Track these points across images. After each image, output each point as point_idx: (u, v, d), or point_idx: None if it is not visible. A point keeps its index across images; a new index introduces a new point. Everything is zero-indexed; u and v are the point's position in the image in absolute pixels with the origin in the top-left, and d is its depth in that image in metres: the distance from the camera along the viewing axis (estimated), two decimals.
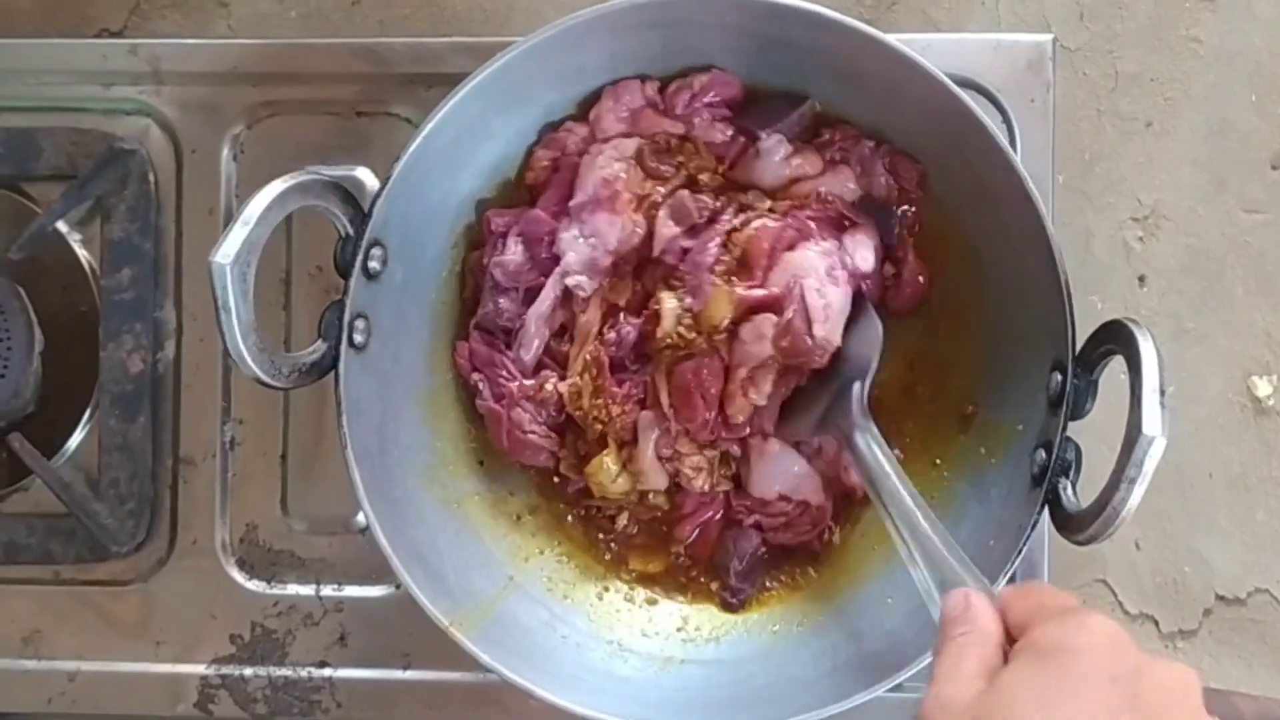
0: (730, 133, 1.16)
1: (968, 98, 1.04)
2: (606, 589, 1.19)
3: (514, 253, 1.15)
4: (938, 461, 1.18)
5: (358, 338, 1.06)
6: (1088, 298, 1.35)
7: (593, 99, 1.16)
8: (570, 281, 1.14)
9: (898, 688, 1.05)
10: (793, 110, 1.16)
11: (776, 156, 1.16)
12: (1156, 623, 1.35)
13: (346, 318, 1.05)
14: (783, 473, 1.17)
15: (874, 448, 1.06)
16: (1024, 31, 1.36)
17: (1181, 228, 1.35)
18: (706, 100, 1.15)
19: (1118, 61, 1.37)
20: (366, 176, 1.25)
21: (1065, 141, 1.34)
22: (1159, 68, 1.36)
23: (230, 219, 1.19)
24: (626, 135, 1.16)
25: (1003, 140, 1.04)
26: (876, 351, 1.12)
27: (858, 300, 1.14)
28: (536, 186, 1.18)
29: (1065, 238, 1.32)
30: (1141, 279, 1.35)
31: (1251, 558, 1.35)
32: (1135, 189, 1.36)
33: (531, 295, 1.16)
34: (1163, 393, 0.93)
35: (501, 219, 1.16)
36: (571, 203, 1.15)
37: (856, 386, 1.10)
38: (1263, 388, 1.35)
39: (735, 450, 1.17)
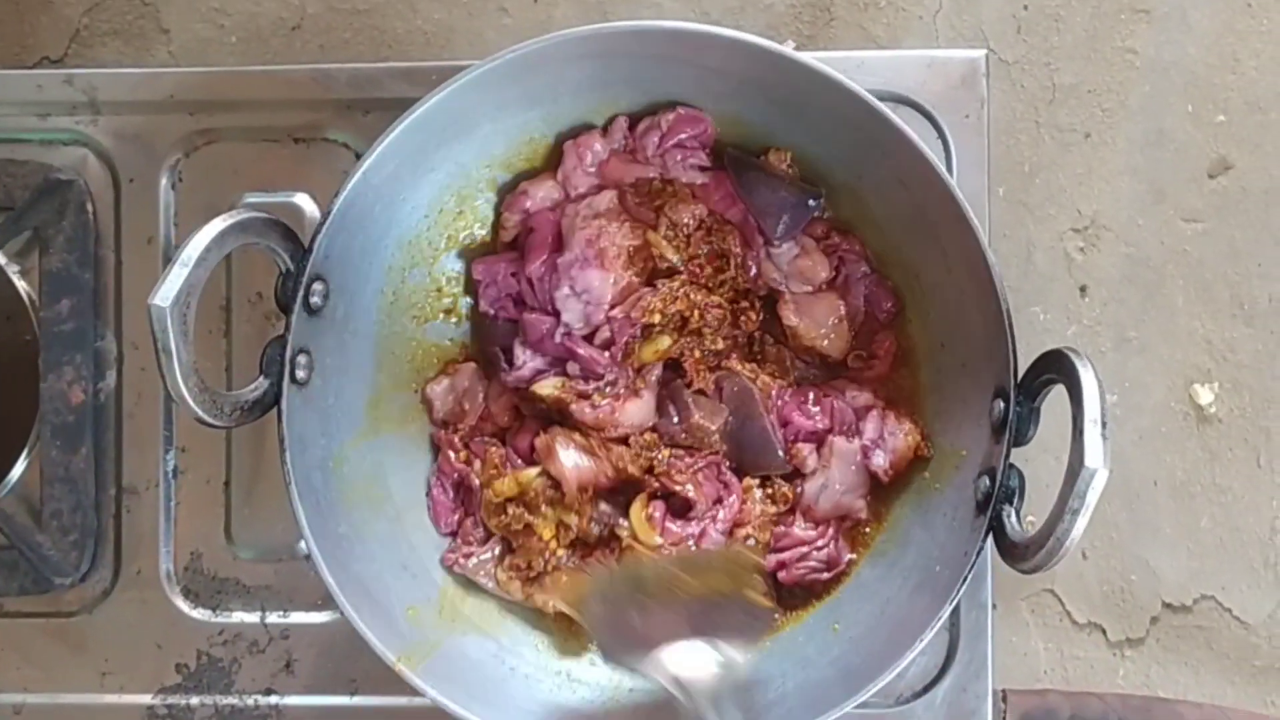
0: (706, 178, 1.17)
1: (900, 121, 1.03)
2: (555, 620, 1.19)
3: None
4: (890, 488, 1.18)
5: (300, 373, 1.06)
6: (1030, 309, 1.36)
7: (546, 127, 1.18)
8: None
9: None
10: (803, 208, 1.16)
11: (787, 258, 1.17)
12: (1104, 631, 1.36)
13: (288, 354, 1.04)
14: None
15: None
16: (961, 45, 1.37)
17: (1121, 237, 1.37)
18: (676, 141, 1.15)
19: (1055, 74, 1.38)
20: (305, 203, 1.24)
21: (1005, 154, 1.35)
22: (1096, 79, 1.38)
23: (170, 248, 1.20)
24: (599, 189, 1.16)
25: (939, 164, 1.04)
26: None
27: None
28: (514, 244, 1.19)
29: (1007, 249, 1.33)
30: (1083, 289, 1.37)
31: (1197, 565, 1.36)
32: (1075, 200, 1.37)
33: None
34: (1104, 425, 0.93)
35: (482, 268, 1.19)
36: (560, 260, 1.15)
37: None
38: (1204, 395, 1.36)
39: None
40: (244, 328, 1.25)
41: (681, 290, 1.15)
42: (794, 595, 1.17)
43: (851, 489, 1.16)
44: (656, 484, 1.15)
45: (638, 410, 1.15)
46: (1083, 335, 1.36)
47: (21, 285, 1.26)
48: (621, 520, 1.15)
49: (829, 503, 1.16)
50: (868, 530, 1.17)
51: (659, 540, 1.13)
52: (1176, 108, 1.37)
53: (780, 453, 1.15)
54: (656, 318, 1.15)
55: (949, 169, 1.21)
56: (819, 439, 1.17)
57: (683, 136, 1.15)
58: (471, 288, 1.20)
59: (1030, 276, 1.36)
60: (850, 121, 1.06)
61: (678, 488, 1.14)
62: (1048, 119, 1.37)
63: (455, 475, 1.18)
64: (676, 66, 1.10)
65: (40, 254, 1.25)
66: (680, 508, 1.15)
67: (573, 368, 1.16)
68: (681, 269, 1.16)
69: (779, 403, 1.16)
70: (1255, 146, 1.36)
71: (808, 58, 1.04)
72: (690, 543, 1.13)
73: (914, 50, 1.34)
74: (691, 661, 1.04)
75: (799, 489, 1.17)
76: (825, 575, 1.17)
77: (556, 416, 1.17)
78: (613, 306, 1.15)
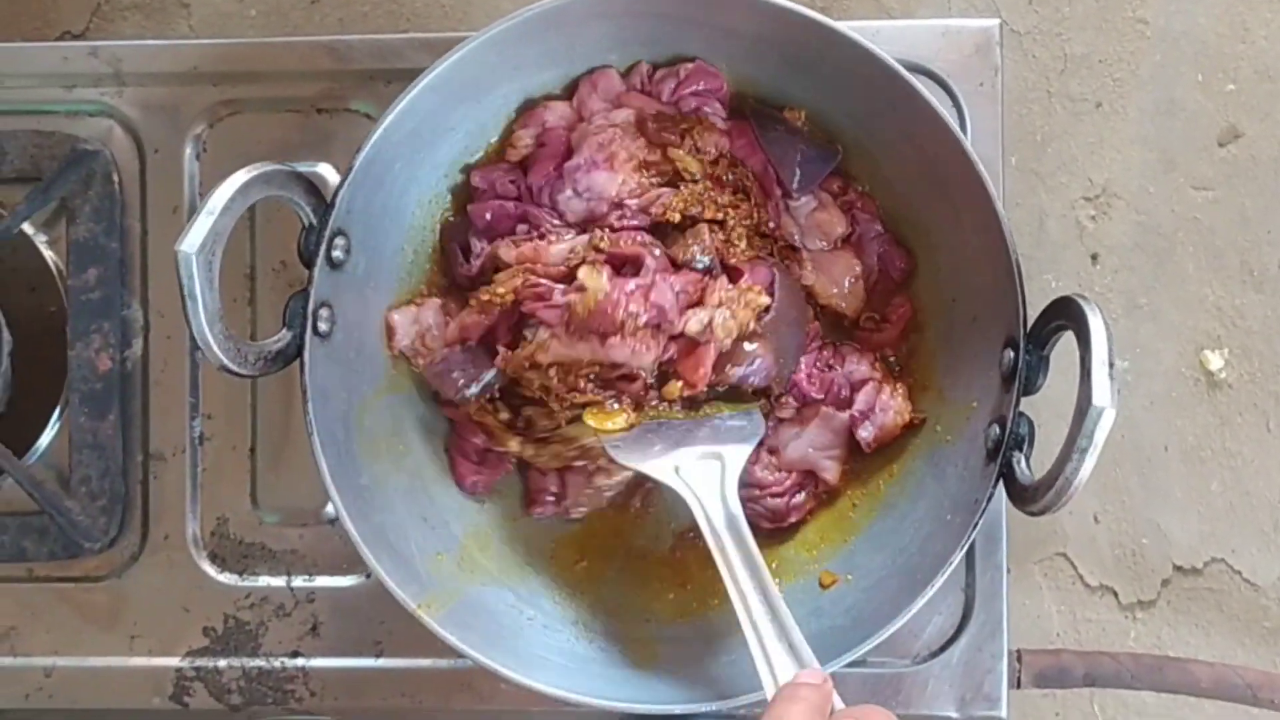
0: (725, 125, 1.18)
1: (916, 81, 1.05)
2: (573, 568, 1.21)
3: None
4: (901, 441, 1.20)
5: (322, 326, 1.08)
6: (1042, 276, 1.37)
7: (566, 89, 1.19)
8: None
9: (859, 662, 1.08)
10: (822, 161, 1.17)
11: (805, 211, 1.19)
12: (1116, 594, 1.38)
13: (311, 306, 1.06)
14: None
15: (743, 535, 1.07)
16: (973, 16, 1.38)
17: (1132, 206, 1.38)
18: (692, 90, 1.17)
19: (1066, 44, 1.39)
20: (328, 172, 1.26)
21: (1017, 123, 1.37)
22: (1107, 49, 1.39)
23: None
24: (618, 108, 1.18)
25: (952, 122, 1.05)
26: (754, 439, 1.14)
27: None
28: (522, 163, 1.19)
29: (1019, 218, 1.35)
30: (1094, 257, 1.38)
31: (1207, 528, 1.38)
32: (1086, 169, 1.38)
33: None
34: (1111, 365, 0.95)
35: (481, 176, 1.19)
36: (566, 165, 1.16)
37: (731, 469, 1.11)
38: (1214, 361, 1.37)
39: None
40: (269, 295, 1.27)
41: (706, 195, 1.15)
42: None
43: (826, 449, 1.18)
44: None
45: None
46: (1094, 302, 1.37)
47: (49, 255, 1.29)
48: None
49: (798, 453, 1.18)
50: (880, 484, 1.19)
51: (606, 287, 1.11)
52: (1187, 77, 1.38)
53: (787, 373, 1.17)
54: (676, 217, 1.14)
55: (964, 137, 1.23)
56: (806, 402, 1.19)
57: (698, 87, 1.16)
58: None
59: (1042, 244, 1.37)
60: (862, 80, 1.08)
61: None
62: (1059, 89, 1.39)
63: (478, 443, 1.19)
64: (691, 27, 1.12)
65: (67, 224, 1.27)
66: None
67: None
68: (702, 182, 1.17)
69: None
70: (1265, 115, 1.38)
71: (818, 15, 1.06)
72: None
73: (928, 20, 1.35)
74: (691, 460, 1.11)
75: (772, 425, 1.19)
76: (766, 525, 1.20)
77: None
78: (620, 203, 1.15)
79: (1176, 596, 1.37)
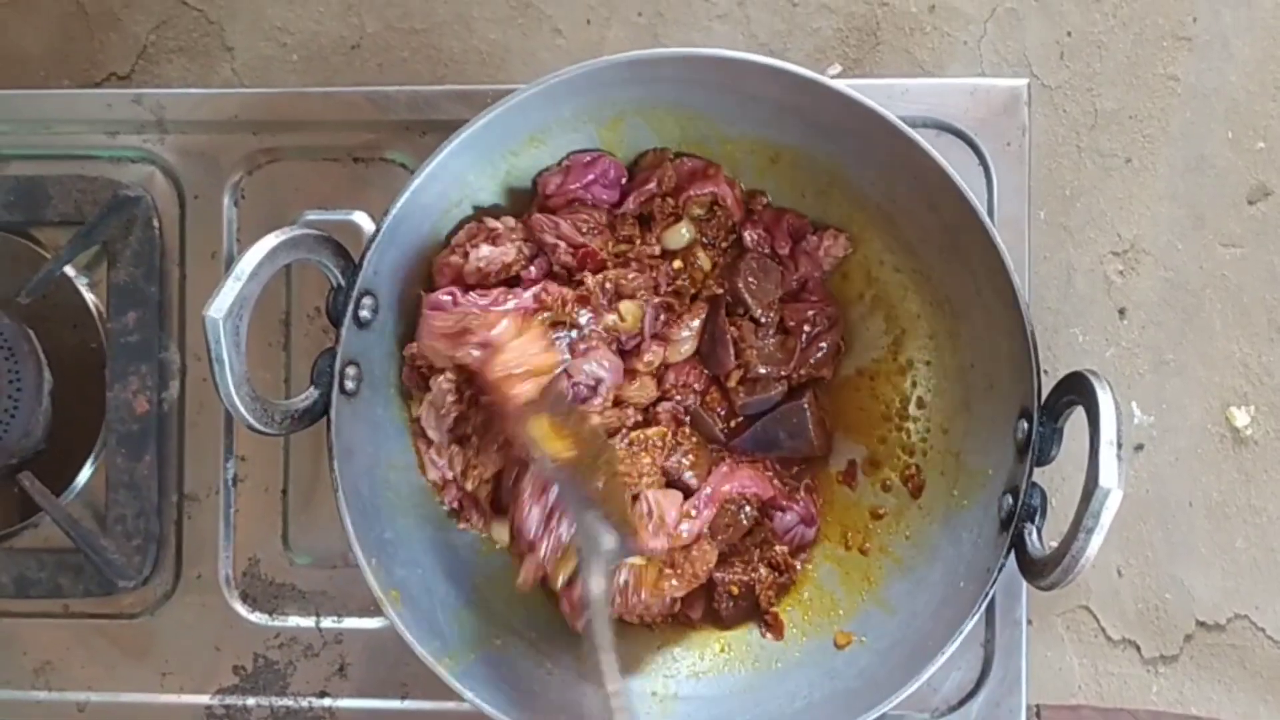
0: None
1: (933, 149, 1.06)
2: None
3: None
4: (919, 505, 1.21)
5: (349, 384, 1.10)
6: (1069, 330, 1.38)
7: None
8: None
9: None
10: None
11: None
12: (1139, 648, 1.38)
13: (338, 365, 1.08)
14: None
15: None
16: (1005, 70, 1.39)
17: (1161, 262, 1.38)
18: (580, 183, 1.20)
19: (1097, 99, 1.39)
20: (364, 220, 1.28)
21: (1046, 177, 1.37)
22: (1137, 105, 1.39)
23: (232, 263, 1.23)
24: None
25: (969, 193, 1.06)
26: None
27: None
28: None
29: (1047, 271, 1.35)
30: (1122, 312, 1.38)
31: (1231, 584, 1.38)
32: (1115, 224, 1.38)
33: None
34: (1120, 445, 0.96)
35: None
36: None
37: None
38: (1241, 418, 1.37)
39: None
40: (302, 341, 1.29)
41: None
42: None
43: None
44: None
45: None
46: (1121, 357, 1.37)
47: (90, 297, 1.31)
48: None
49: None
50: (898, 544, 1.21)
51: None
52: (1217, 134, 1.39)
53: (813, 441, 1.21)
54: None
55: (990, 195, 1.24)
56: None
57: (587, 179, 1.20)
58: None
59: (1070, 299, 1.38)
60: (883, 146, 1.09)
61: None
62: (1089, 144, 1.39)
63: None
64: (718, 92, 1.14)
65: (108, 267, 1.30)
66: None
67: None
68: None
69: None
70: None
71: (839, 84, 1.07)
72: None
73: (957, 79, 1.36)
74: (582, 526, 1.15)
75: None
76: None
77: None
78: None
79: (1199, 652, 1.37)
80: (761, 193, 1.21)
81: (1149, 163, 1.39)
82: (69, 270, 1.30)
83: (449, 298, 1.14)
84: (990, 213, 1.22)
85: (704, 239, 1.21)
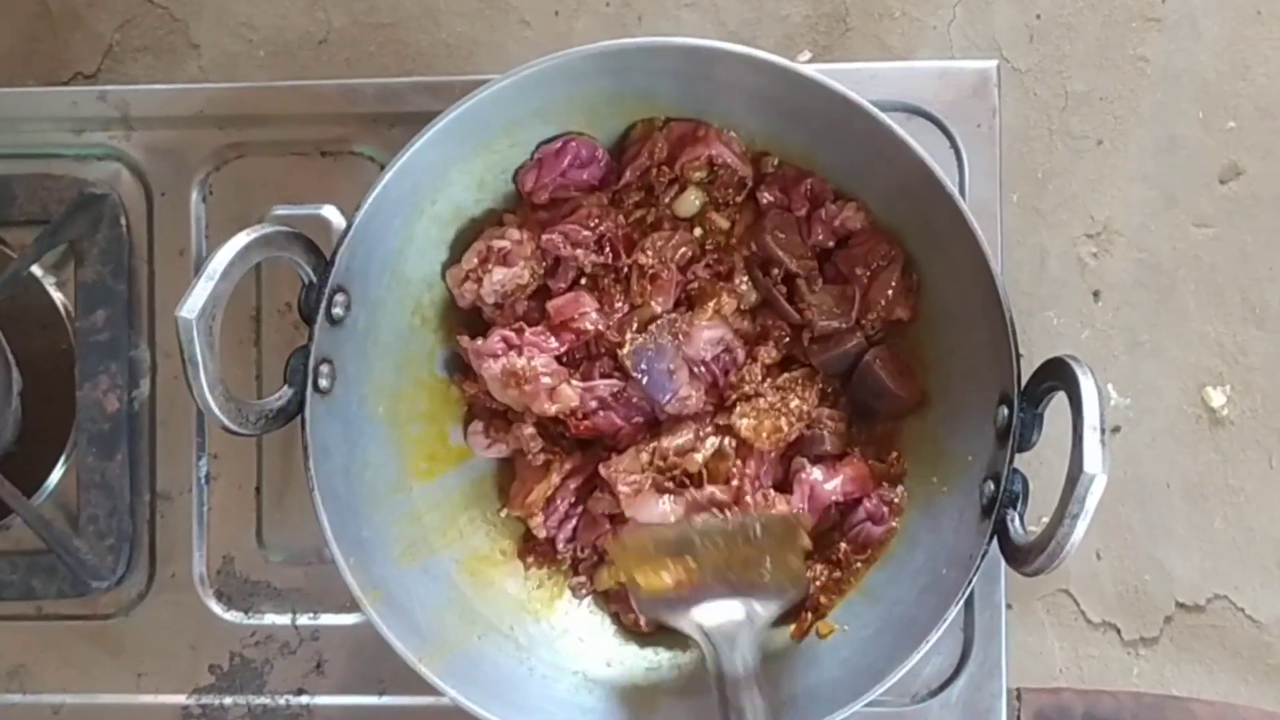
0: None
1: (905, 134, 1.06)
2: (572, 620, 1.23)
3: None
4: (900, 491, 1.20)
5: (323, 382, 1.09)
6: (1044, 313, 1.38)
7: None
8: None
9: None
10: None
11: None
12: (1119, 631, 1.38)
13: (311, 363, 1.07)
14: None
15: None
16: (975, 54, 1.39)
17: (1134, 243, 1.38)
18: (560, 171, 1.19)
19: (1067, 81, 1.40)
20: (333, 215, 1.27)
21: (1018, 160, 1.37)
22: (1108, 87, 1.39)
23: (201, 259, 1.23)
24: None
25: (942, 175, 1.05)
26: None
27: None
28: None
29: (1021, 255, 1.35)
30: (1096, 294, 1.38)
31: (1210, 565, 1.38)
32: (1088, 206, 1.39)
33: None
34: (1103, 431, 0.95)
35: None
36: None
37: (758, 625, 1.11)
38: (1216, 398, 1.38)
39: None
40: (274, 337, 1.28)
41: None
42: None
43: None
44: None
45: None
46: (1096, 339, 1.38)
47: (58, 296, 1.30)
48: None
49: None
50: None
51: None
52: (1188, 114, 1.39)
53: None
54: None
55: (961, 179, 1.23)
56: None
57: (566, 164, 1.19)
58: None
59: (1044, 282, 1.38)
60: (856, 133, 1.08)
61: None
62: (1060, 126, 1.39)
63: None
64: (690, 82, 1.13)
65: (76, 266, 1.28)
66: None
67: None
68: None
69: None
70: (1266, 152, 1.38)
71: (809, 70, 1.06)
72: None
73: (926, 61, 1.35)
74: (718, 613, 1.09)
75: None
76: None
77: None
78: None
79: (1179, 633, 1.37)
80: (768, 154, 1.19)
81: (1120, 144, 1.39)
82: (36, 270, 1.29)
83: (501, 344, 1.17)
84: (962, 196, 1.22)
85: (715, 200, 1.20)
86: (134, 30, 1.43)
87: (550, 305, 1.18)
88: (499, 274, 1.17)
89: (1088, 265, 1.38)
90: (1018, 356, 1.05)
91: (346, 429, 1.13)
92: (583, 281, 1.19)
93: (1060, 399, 1.01)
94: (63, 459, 1.30)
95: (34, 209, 1.28)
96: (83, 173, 1.30)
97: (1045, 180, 1.38)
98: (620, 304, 1.18)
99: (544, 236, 1.17)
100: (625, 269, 1.18)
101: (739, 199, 1.19)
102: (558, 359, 1.18)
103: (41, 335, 1.30)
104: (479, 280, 1.17)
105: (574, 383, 1.17)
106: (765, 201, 1.19)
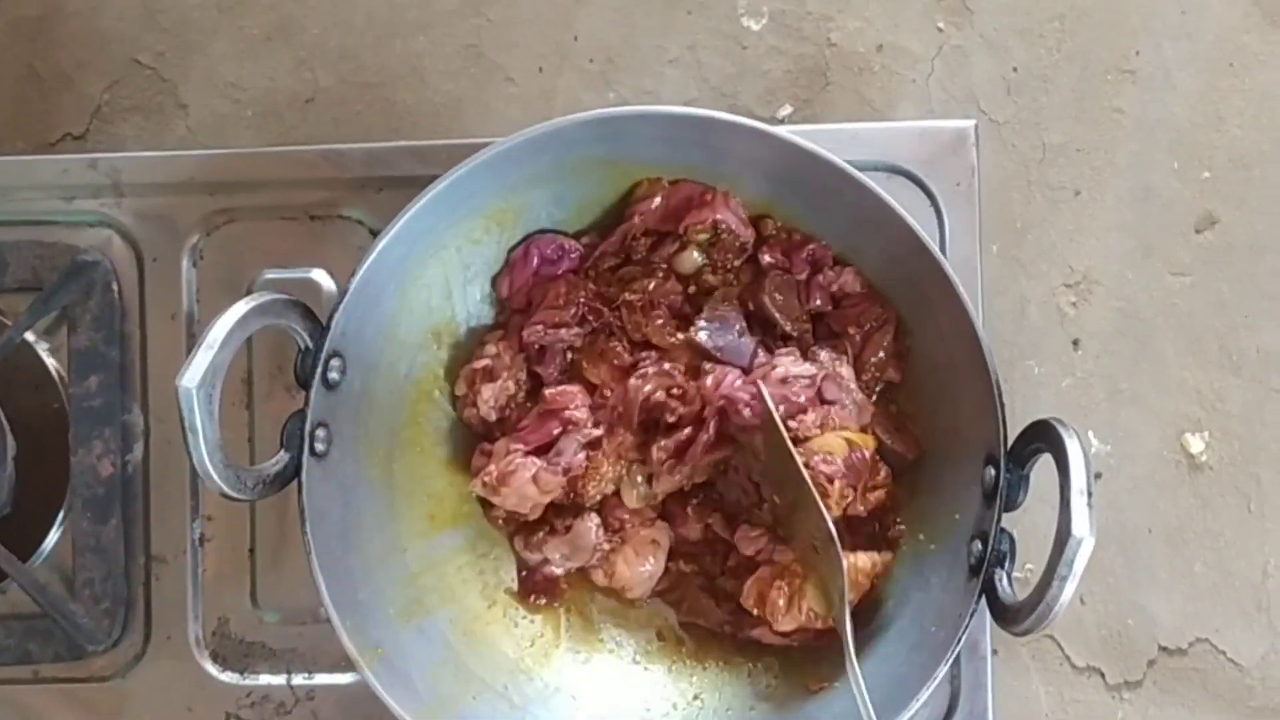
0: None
1: (883, 192, 1.08)
2: (565, 678, 1.23)
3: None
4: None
5: (319, 446, 1.10)
6: (1025, 363, 1.40)
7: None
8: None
9: None
10: None
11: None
12: (1103, 675, 1.39)
13: (308, 428, 1.09)
14: None
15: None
16: (953, 106, 1.41)
17: (1112, 292, 1.40)
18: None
19: (1044, 133, 1.41)
20: (322, 278, 1.28)
21: (997, 212, 1.39)
22: (1084, 138, 1.41)
23: (193, 324, 1.25)
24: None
25: (926, 238, 1.07)
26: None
27: None
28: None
29: (1001, 305, 1.37)
30: (1076, 343, 1.40)
31: (1192, 609, 1.39)
32: (1066, 256, 1.40)
33: None
34: (1090, 494, 0.97)
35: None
36: None
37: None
38: (1195, 444, 1.39)
39: None
40: (266, 400, 1.30)
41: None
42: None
43: None
44: None
45: None
46: (1076, 388, 1.39)
47: (51, 362, 1.31)
48: None
49: None
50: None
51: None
52: (1163, 165, 1.41)
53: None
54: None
55: (942, 236, 1.25)
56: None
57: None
58: None
59: (1024, 331, 1.39)
60: (841, 196, 1.10)
61: None
62: (1038, 177, 1.41)
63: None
64: (680, 146, 1.15)
65: (68, 332, 1.30)
66: None
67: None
68: None
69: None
70: (1240, 201, 1.40)
71: (797, 137, 1.08)
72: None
73: (906, 121, 1.38)
74: None
75: None
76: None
77: None
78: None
79: (1162, 676, 1.39)
80: (768, 216, 1.21)
81: (1097, 194, 1.41)
82: (29, 336, 1.29)
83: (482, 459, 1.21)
84: (943, 252, 1.23)
85: (713, 262, 1.21)
86: (122, 90, 1.44)
87: (548, 393, 1.19)
88: (487, 391, 1.19)
89: (1067, 314, 1.39)
90: (1004, 420, 1.06)
91: (342, 492, 1.14)
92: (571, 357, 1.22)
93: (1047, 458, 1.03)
94: (57, 523, 1.30)
95: (26, 275, 1.29)
96: (74, 239, 1.31)
97: (1024, 231, 1.39)
98: (624, 354, 1.20)
99: (523, 333, 1.19)
100: (613, 323, 1.20)
101: (737, 263, 1.21)
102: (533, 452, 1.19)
103: (35, 400, 1.31)
104: (475, 404, 1.20)
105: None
106: (766, 263, 1.20)
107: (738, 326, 1.19)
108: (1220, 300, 1.40)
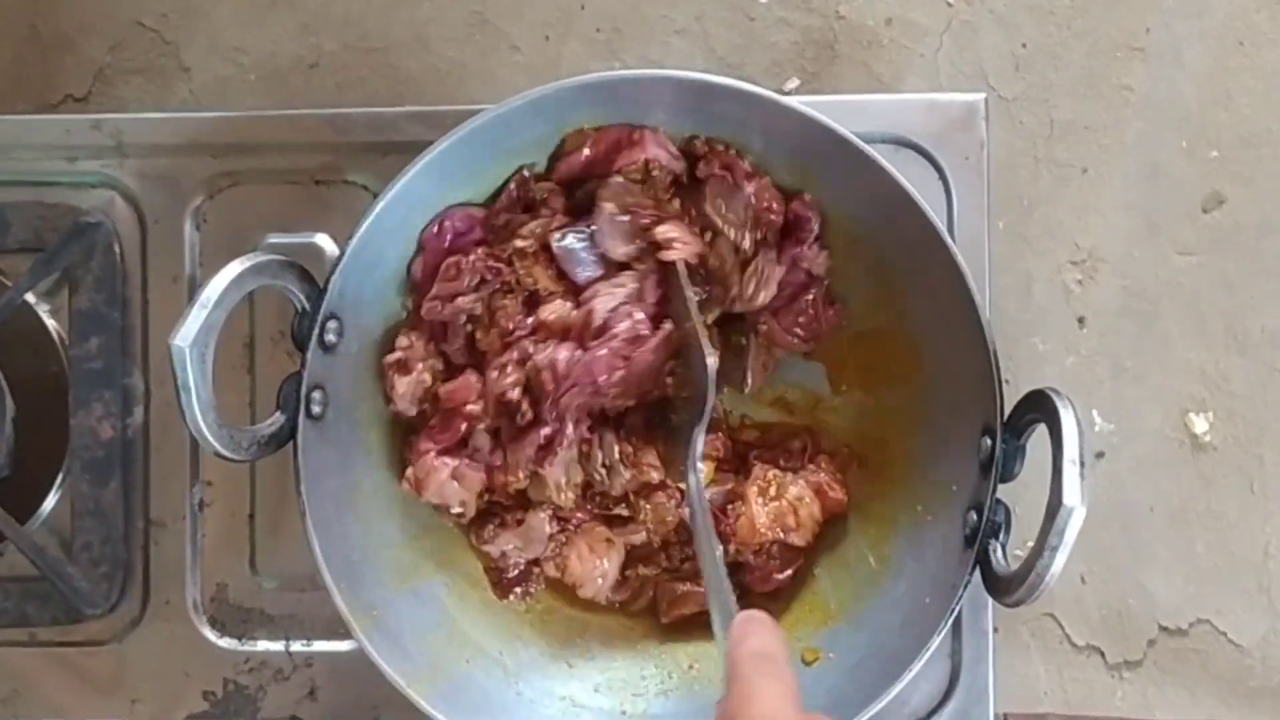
0: None
1: (884, 161, 1.07)
2: (562, 647, 1.23)
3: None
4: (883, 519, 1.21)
5: (315, 408, 1.10)
6: (1029, 340, 1.39)
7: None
8: None
9: None
10: None
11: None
12: (1103, 654, 1.39)
13: (304, 390, 1.08)
14: None
15: (698, 492, 1.10)
16: (961, 82, 1.40)
17: (1118, 270, 1.39)
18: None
19: (1053, 110, 1.41)
20: (326, 243, 1.28)
21: (1004, 188, 1.38)
22: (1093, 115, 1.41)
23: (195, 287, 1.24)
24: None
25: (931, 213, 1.07)
26: (710, 395, 1.12)
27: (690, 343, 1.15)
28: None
29: (1006, 282, 1.36)
30: (1081, 320, 1.39)
31: (1193, 589, 1.39)
32: (1073, 233, 1.40)
33: None
34: (1083, 464, 0.96)
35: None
36: None
37: (695, 433, 1.13)
38: (1199, 424, 1.39)
39: None
40: (266, 364, 1.29)
41: None
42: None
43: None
44: None
45: None
46: (1081, 366, 1.39)
47: (51, 324, 1.30)
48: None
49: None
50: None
51: None
52: (1171, 143, 1.40)
53: None
54: None
55: (949, 210, 1.24)
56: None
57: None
58: None
59: (1029, 308, 1.39)
60: (842, 164, 1.10)
61: None
62: (1046, 154, 1.40)
63: None
64: (680, 112, 1.14)
65: (69, 294, 1.29)
66: None
67: None
68: None
69: None
70: (1248, 181, 1.39)
71: (798, 103, 1.08)
72: None
73: (915, 94, 1.37)
74: None
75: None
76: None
77: None
78: None
79: (1162, 656, 1.38)
80: (696, 136, 1.18)
81: (1105, 172, 1.40)
82: (30, 297, 1.29)
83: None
84: (950, 227, 1.23)
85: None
86: (125, 53, 1.44)
87: (442, 391, 1.17)
88: (401, 385, 1.17)
89: (1073, 292, 1.39)
90: (1001, 390, 1.06)
91: (339, 454, 1.14)
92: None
93: (1043, 429, 1.03)
94: (56, 486, 1.30)
95: (28, 236, 1.29)
96: (77, 200, 1.30)
97: (1031, 208, 1.39)
98: (519, 316, 1.17)
99: (422, 309, 1.17)
100: (509, 280, 1.18)
101: (667, 196, 1.18)
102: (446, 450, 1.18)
103: (35, 362, 1.31)
104: (391, 399, 1.18)
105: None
106: (703, 170, 1.17)
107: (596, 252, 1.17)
108: (1226, 280, 1.39)
